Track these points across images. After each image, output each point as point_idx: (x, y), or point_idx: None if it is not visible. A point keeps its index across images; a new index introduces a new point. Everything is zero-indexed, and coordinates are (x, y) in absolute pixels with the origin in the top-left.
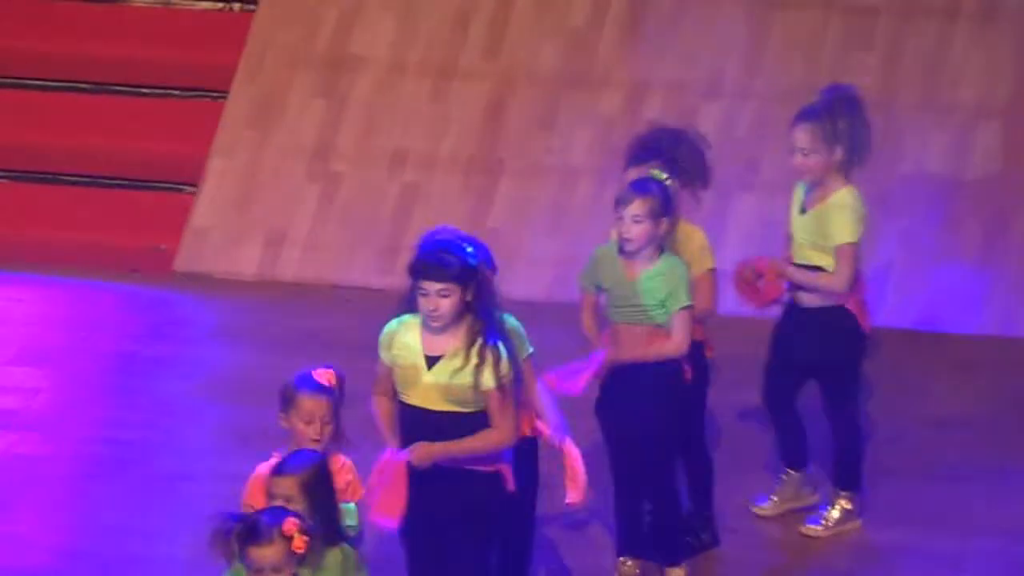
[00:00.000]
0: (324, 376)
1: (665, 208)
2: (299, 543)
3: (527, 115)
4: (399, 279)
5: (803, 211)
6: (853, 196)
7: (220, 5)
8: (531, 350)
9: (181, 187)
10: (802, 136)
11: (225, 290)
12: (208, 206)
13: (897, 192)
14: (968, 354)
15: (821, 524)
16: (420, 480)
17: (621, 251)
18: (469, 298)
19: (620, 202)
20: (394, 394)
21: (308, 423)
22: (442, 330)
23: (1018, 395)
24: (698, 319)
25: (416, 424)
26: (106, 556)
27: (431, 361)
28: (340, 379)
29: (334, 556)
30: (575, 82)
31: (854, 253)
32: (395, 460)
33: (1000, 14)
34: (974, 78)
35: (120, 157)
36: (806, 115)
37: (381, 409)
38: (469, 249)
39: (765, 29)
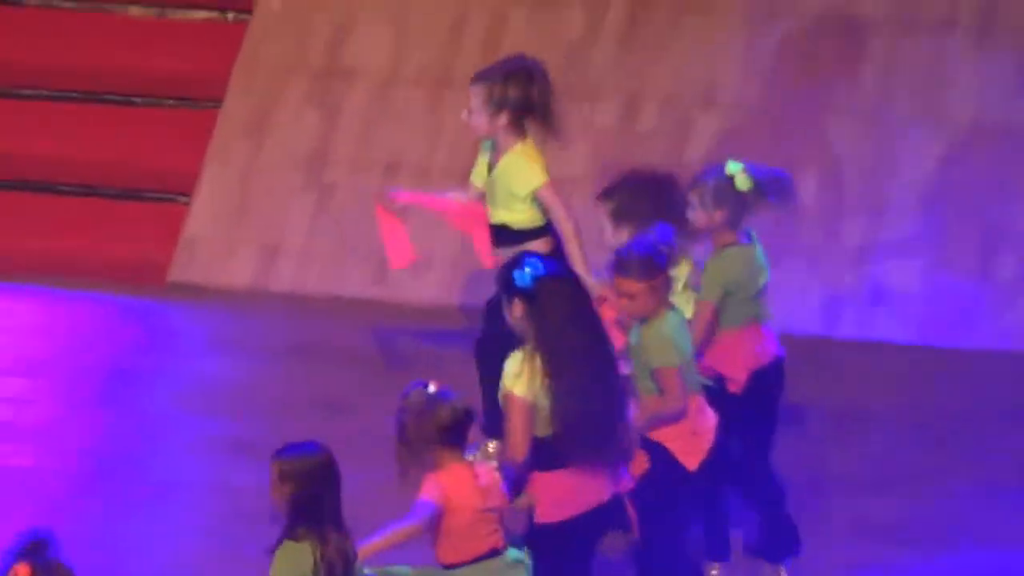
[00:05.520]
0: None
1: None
2: None
3: None
4: (392, 290)
5: None
6: None
7: (214, 15)
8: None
9: (174, 197)
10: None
11: (218, 301)
12: (201, 216)
13: (893, 204)
14: (970, 367)
15: None
16: None
17: None
18: None
19: None
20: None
21: None
22: None
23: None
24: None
25: None
26: (93, 569)
27: None
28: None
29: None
30: (570, 94)
31: None
32: None
33: (997, 27)
34: (969, 91)
35: (113, 167)
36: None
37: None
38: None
39: (760, 40)
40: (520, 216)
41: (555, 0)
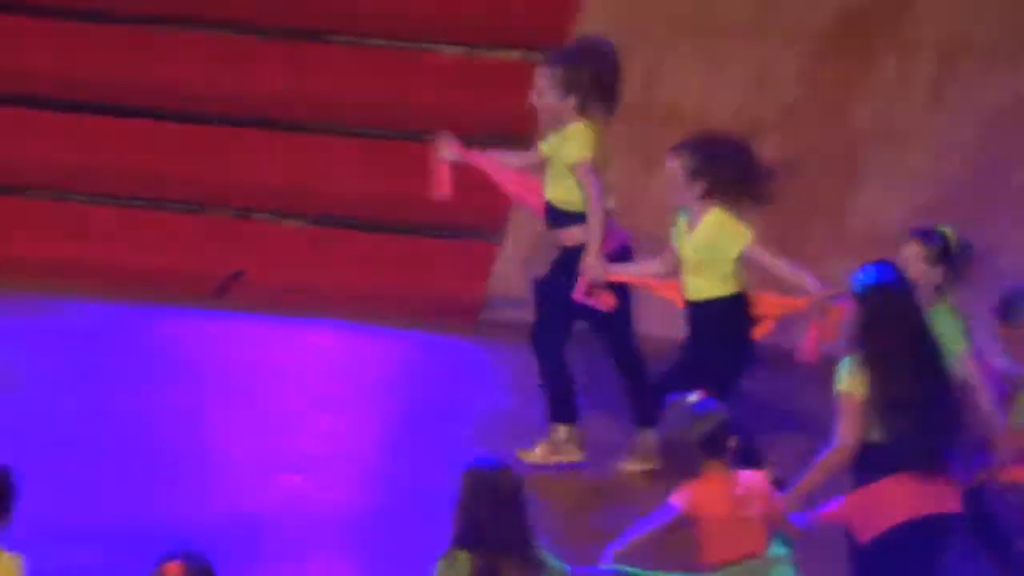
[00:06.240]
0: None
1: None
2: None
3: (829, 170)
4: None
5: None
6: None
7: (524, 54)
8: None
9: (485, 236)
10: None
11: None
12: (512, 255)
13: None
14: None
15: None
16: None
17: None
18: None
19: None
20: None
21: None
22: None
23: None
24: None
25: None
26: None
27: None
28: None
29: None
30: (878, 140)
31: None
32: None
33: None
34: None
35: (423, 205)
36: None
37: None
38: None
39: None
40: (565, 195)
41: (865, 45)
